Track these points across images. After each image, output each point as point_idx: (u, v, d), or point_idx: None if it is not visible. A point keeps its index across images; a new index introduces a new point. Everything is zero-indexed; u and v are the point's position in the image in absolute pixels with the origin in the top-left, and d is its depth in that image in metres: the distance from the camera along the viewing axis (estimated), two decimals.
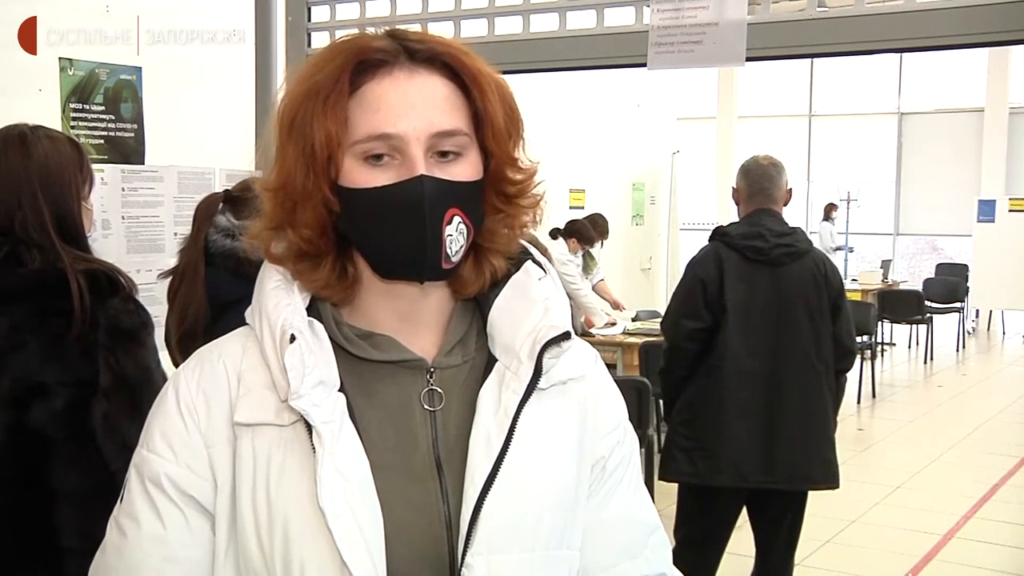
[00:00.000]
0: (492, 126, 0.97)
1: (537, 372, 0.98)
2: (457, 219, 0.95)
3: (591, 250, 6.89)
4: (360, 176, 0.94)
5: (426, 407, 0.99)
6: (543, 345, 0.98)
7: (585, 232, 6.70)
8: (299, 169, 0.94)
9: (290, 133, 0.94)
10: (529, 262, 1.05)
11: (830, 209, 12.74)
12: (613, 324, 6.62)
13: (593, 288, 7.03)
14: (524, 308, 1.01)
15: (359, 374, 0.99)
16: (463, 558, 0.93)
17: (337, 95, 0.92)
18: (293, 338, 0.94)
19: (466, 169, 0.96)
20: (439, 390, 1.00)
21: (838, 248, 12.42)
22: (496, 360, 1.01)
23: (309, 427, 0.92)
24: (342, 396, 0.95)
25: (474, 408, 0.98)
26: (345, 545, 0.89)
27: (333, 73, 0.93)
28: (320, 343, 0.97)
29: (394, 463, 0.97)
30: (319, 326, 0.98)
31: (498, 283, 1.03)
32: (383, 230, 0.94)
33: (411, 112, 0.93)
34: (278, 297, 0.98)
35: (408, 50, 0.95)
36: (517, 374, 0.98)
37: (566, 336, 1.00)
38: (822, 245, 12.31)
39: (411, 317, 1.01)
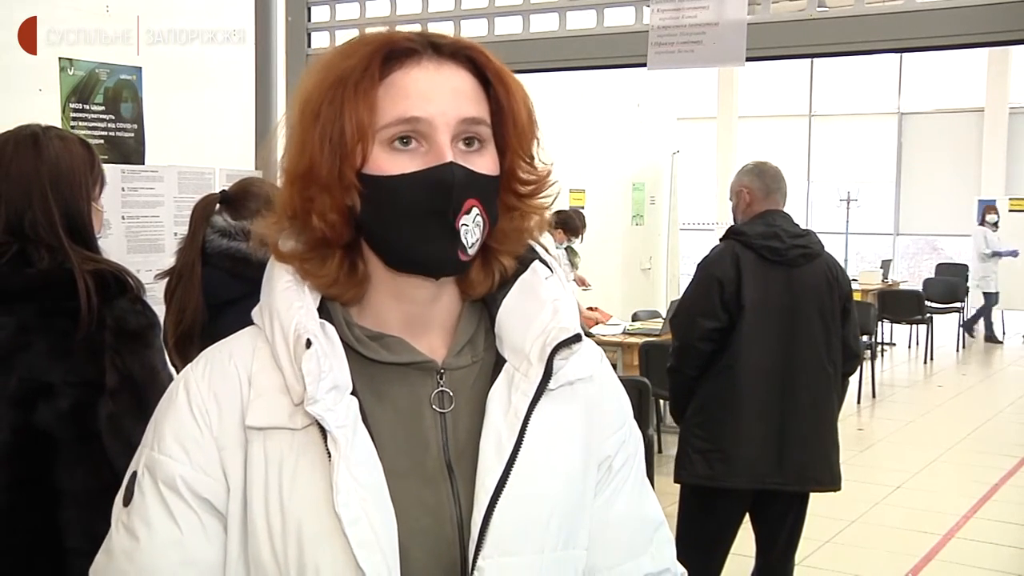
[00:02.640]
0: (515, 121, 0.98)
1: (547, 374, 0.98)
2: (475, 211, 0.94)
3: (574, 247, 6.86)
4: (386, 163, 0.93)
5: (436, 409, 0.99)
6: (554, 347, 0.98)
7: (571, 223, 6.65)
8: (325, 156, 0.93)
9: (315, 120, 0.93)
10: (536, 262, 1.05)
11: (989, 211, 11.91)
12: (609, 318, 6.65)
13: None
14: (533, 309, 1.01)
15: (370, 376, 0.98)
16: (475, 561, 0.93)
17: (368, 82, 0.92)
18: (309, 343, 0.93)
19: (487, 162, 0.96)
20: (449, 391, 1.00)
21: (996, 254, 11.71)
22: (505, 361, 1.00)
23: (323, 431, 0.91)
24: (355, 400, 0.95)
25: (484, 410, 0.98)
26: (361, 551, 0.89)
27: (362, 61, 0.93)
28: (333, 346, 0.96)
29: (406, 466, 0.96)
30: (331, 328, 0.97)
31: (506, 283, 1.03)
32: (407, 217, 0.93)
33: (440, 98, 0.93)
34: (290, 299, 0.97)
35: (434, 44, 0.96)
36: (527, 375, 0.98)
37: (577, 338, 0.99)
38: (976, 251, 11.75)
39: (420, 318, 1.01)
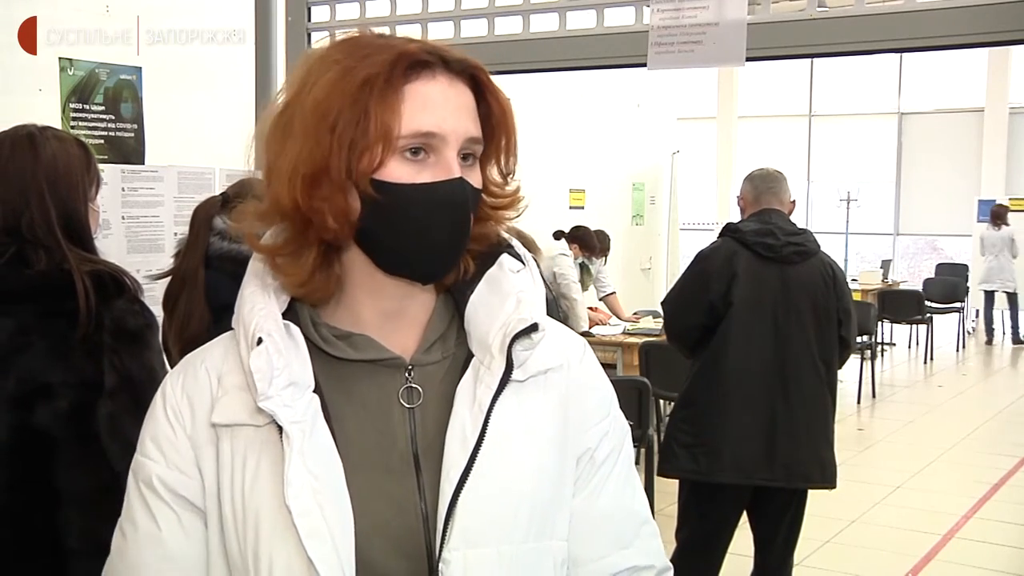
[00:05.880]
0: (507, 140, 1.02)
1: (509, 365, 0.99)
2: (470, 222, 0.99)
3: (590, 265, 6.84)
4: (397, 171, 0.94)
5: (404, 404, 1.01)
6: (513, 337, 0.99)
7: (587, 240, 6.65)
8: (342, 158, 0.93)
9: (332, 123, 0.93)
10: (504, 255, 1.06)
11: None
12: (609, 318, 6.65)
13: (603, 299, 7.01)
14: (497, 302, 1.03)
15: (338, 375, 1.00)
16: (440, 553, 0.94)
17: (392, 90, 0.93)
18: (260, 341, 0.95)
19: (476, 177, 1.00)
20: (417, 387, 1.01)
21: None
22: (473, 356, 1.02)
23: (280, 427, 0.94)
24: (316, 396, 0.97)
25: (452, 404, 0.99)
26: (311, 543, 0.91)
27: (385, 68, 0.93)
28: (295, 345, 0.98)
29: (372, 460, 0.98)
30: (295, 328, 1.00)
31: (474, 278, 1.05)
32: (418, 227, 0.96)
33: (454, 115, 0.96)
34: (253, 301, 1.00)
35: (444, 59, 0.97)
36: (490, 368, 0.99)
37: (535, 327, 1.00)
38: None
39: (395, 314, 1.03)
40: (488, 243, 1.06)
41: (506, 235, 1.08)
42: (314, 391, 0.97)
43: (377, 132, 0.92)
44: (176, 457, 0.99)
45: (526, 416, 1.01)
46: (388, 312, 1.02)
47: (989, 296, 11.95)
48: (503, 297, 1.03)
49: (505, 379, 0.99)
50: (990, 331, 12.07)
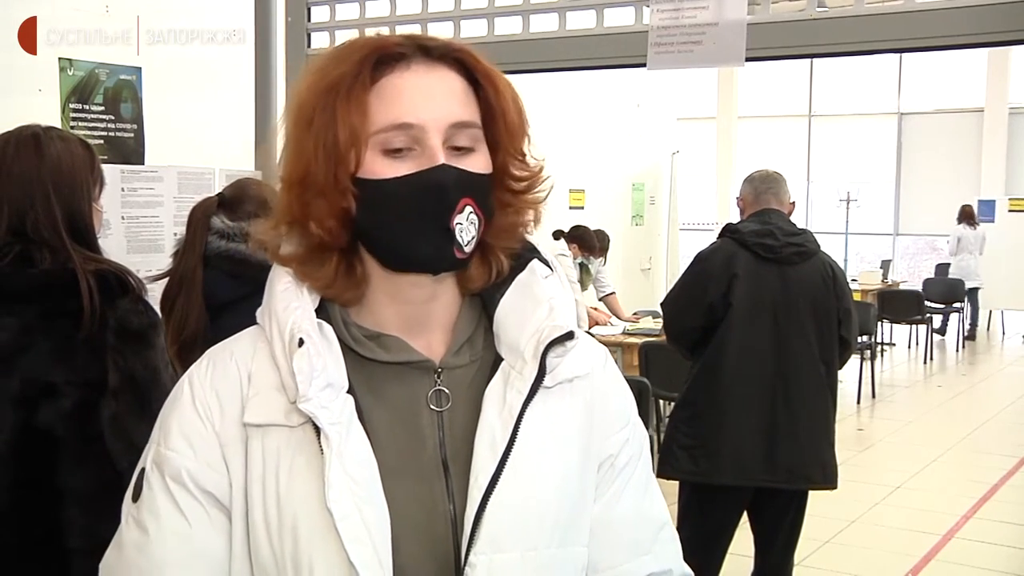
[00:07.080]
0: (505, 121, 1.00)
1: (541, 371, 0.99)
2: (469, 208, 0.96)
3: (589, 265, 6.83)
4: (380, 167, 0.94)
5: (433, 408, 1.00)
6: (547, 344, 0.99)
7: (586, 239, 6.64)
8: (320, 162, 0.94)
9: (309, 127, 0.94)
10: (535, 261, 1.06)
11: None
12: (609, 318, 6.66)
13: (602, 300, 7.00)
14: (529, 307, 1.02)
15: (368, 375, 1.00)
16: (466, 557, 0.94)
17: (360, 88, 0.94)
18: (302, 342, 0.94)
19: (478, 162, 0.98)
20: (446, 390, 1.01)
21: None
22: (502, 360, 1.01)
23: (317, 429, 0.93)
24: (350, 398, 0.96)
25: (480, 408, 0.99)
26: (353, 546, 0.90)
27: (353, 67, 0.94)
28: (329, 345, 0.98)
29: (402, 464, 0.97)
30: (328, 328, 0.99)
31: (504, 282, 1.04)
32: (404, 218, 0.95)
33: (431, 103, 0.95)
34: (287, 299, 0.99)
35: (423, 47, 0.97)
36: (522, 374, 0.99)
37: (570, 335, 1.00)
38: None
39: (417, 318, 1.02)
40: (517, 236, 1.04)
41: (531, 239, 1.07)
42: (347, 392, 0.96)
43: (347, 132, 0.93)
44: (205, 452, 0.97)
45: (553, 423, 1.01)
46: (409, 315, 1.01)
47: (973, 292, 12.00)
48: (535, 303, 1.02)
49: (536, 385, 0.98)
50: (974, 324, 12.12)
